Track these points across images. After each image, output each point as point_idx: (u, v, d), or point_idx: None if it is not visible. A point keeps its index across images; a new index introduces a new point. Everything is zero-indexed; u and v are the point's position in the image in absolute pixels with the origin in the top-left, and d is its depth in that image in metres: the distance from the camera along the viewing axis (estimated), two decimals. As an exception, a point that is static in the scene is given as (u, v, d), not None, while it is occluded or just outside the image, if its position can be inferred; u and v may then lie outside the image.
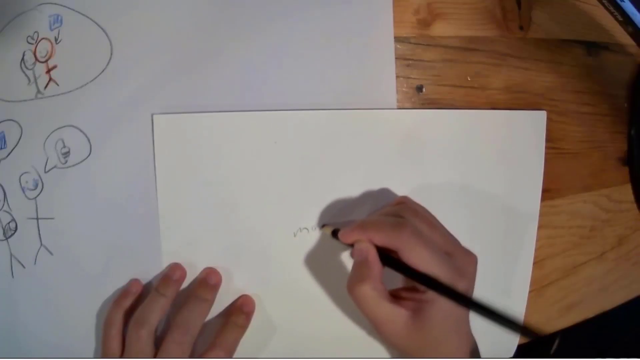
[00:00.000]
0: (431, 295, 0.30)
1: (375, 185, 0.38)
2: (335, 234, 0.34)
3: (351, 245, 0.32)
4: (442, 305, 0.30)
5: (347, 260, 0.38)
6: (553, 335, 0.23)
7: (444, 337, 0.31)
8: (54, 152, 0.33)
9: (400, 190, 0.39)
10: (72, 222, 0.34)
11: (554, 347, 0.23)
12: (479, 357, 0.33)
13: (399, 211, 0.33)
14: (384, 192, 0.38)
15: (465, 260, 0.32)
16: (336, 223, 0.37)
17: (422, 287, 0.30)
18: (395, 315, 0.30)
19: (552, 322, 0.46)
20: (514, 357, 0.44)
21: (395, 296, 0.31)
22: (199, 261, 0.35)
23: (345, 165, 0.37)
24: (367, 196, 0.38)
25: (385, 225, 0.31)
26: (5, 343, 0.34)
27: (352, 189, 0.38)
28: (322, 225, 0.37)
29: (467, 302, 0.28)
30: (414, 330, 0.30)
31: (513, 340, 0.44)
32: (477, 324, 0.31)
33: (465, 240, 0.33)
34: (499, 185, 0.41)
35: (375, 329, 0.31)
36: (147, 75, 0.34)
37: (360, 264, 0.31)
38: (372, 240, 0.31)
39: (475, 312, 0.27)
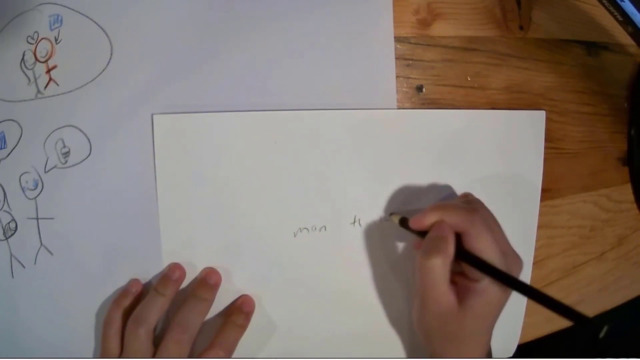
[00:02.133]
0: (479, 286, 0.31)
1: (374, 185, 0.38)
2: (403, 222, 0.35)
3: (419, 233, 0.34)
4: (486, 300, 0.31)
5: (347, 260, 0.38)
6: (601, 321, 0.25)
7: (475, 333, 0.32)
8: (54, 152, 0.33)
9: (399, 190, 0.39)
10: (72, 222, 0.34)
11: (603, 332, 0.24)
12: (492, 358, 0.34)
13: (467, 203, 0.35)
14: (384, 192, 0.38)
15: (514, 263, 0.33)
16: (404, 211, 0.38)
17: (474, 276, 0.31)
18: (447, 298, 0.31)
19: (552, 322, 0.46)
20: (513, 357, 0.44)
21: None
22: (198, 261, 0.35)
23: (345, 165, 0.37)
24: (367, 195, 0.38)
25: (459, 208, 0.33)
26: (5, 343, 0.34)
27: (352, 189, 0.38)
28: (390, 214, 0.38)
29: (530, 291, 0.29)
30: (454, 317, 0.31)
31: (513, 340, 0.44)
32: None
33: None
34: (498, 185, 0.41)
35: (423, 302, 0.32)
36: (147, 75, 0.34)
37: (438, 239, 0.32)
38: (444, 220, 0.32)
39: (537, 302, 0.28)
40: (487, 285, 0.31)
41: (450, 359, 0.32)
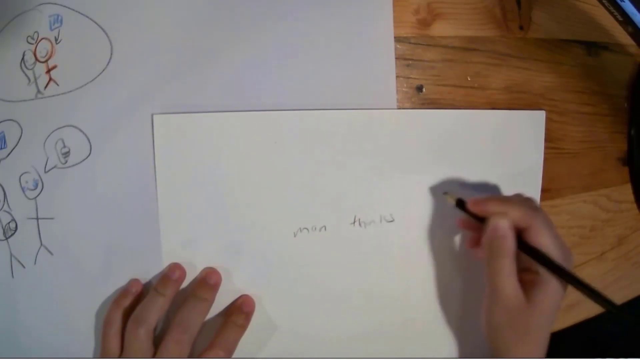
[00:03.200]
0: (542, 279, 0.32)
1: (375, 185, 0.38)
2: (460, 203, 0.36)
3: (474, 216, 0.35)
4: (549, 292, 0.32)
5: (347, 260, 0.38)
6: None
7: (541, 326, 0.33)
8: (54, 152, 0.33)
9: (400, 190, 0.39)
10: (72, 222, 0.34)
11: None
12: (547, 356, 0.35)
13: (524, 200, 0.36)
14: (384, 192, 0.38)
15: (568, 256, 0.34)
16: (458, 193, 0.38)
17: (536, 269, 0.33)
18: (517, 293, 0.32)
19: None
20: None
21: None
22: (198, 261, 0.35)
23: (345, 165, 0.37)
24: (367, 195, 0.38)
25: (523, 203, 0.34)
26: (5, 343, 0.34)
27: (352, 189, 0.38)
28: (444, 193, 0.38)
29: (584, 286, 0.31)
30: (522, 311, 0.32)
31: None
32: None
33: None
34: (498, 185, 0.41)
35: (493, 300, 0.33)
36: (147, 75, 0.34)
37: (502, 238, 0.33)
38: (507, 213, 0.33)
39: (590, 297, 0.30)
40: (549, 278, 0.32)
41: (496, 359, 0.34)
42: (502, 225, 0.33)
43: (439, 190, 0.39)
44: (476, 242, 0.36)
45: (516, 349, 0.33)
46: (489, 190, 0.41)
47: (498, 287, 0.32)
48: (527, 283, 0.33)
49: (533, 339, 0.33)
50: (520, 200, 0.35)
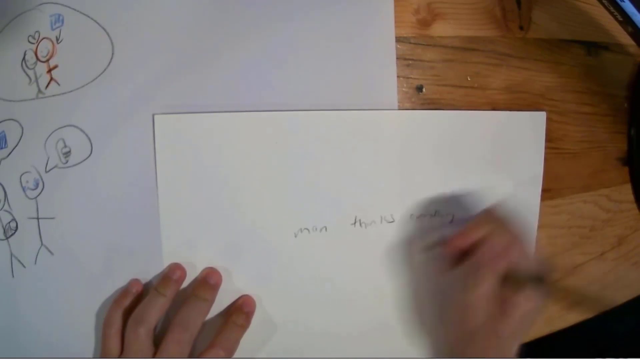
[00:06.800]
0: (517, 299, 0.31)
1: (375, 185, 0.38)
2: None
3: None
4: (520, 314, 0.31)
5: (347, 260, 0.38)
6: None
7: (508, 339, 0.32)
8: (54, 151, 0.33)
9: (400, 191, 0.39)
10: (72, 222, 0.34)
11: None
12: None
13: (496, 226, 0.35)
14: (384, 193, 0.38)
15: (549, 269, 0.33)
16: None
17: (514, 288, 0.32)
18: (487, 308, 0.31)
19: (552, 322, 0.46)
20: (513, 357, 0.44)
21: None
22: (199, 261, 0.35)
23: (346, 165, 0.37)
24: (368, 196, 0.38)
25: (504, 230, 0.34)
26: (6, 343, 0.34)
27: (353, 189, 0.38)
28: (424, 247, 0.39)
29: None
30: (488, 329, 0.31)
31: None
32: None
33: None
34: (498, 186, 0.41)
35: (461, 312, 0.32)
36: (148, 75, 0.34)
37: (496, 258, 0.32)
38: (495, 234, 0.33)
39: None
40: (525, 297, 0.31)
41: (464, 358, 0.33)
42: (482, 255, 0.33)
43: (439, 191, 0.40)
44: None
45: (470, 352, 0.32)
46: (488, 192, 0.41)
47: (471, 296, 0.32)
48: (501, 300, 0.32)
49: (497, 350, 0.32)
50: (499, 226, 0.34)
